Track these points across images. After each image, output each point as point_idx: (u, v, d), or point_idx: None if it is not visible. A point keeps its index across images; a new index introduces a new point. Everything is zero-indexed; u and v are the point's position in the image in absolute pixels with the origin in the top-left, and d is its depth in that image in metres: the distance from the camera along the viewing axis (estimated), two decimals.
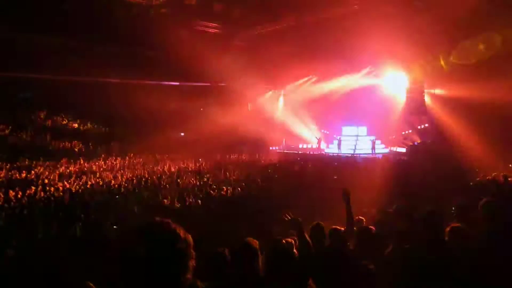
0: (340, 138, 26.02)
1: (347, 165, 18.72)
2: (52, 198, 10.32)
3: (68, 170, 16.62)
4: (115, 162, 19.88)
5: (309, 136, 28.37)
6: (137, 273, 1.53)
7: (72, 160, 19.64)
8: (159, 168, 18.19)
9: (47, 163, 18.40)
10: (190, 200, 10.27)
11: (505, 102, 15.20)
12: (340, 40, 19.83)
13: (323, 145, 27.28)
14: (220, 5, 19.37)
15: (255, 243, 3.11)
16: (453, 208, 5.25)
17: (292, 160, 22.19)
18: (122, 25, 18.36)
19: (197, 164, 19.73)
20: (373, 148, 23.72)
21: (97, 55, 20.84)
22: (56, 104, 24.53)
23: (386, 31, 16.96)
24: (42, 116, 25.06)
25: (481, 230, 4.13)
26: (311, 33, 20.42)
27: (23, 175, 14.82)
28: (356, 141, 25.82)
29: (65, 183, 12.95)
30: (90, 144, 24.62)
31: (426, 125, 22.26)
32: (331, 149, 26.03)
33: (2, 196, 10.40)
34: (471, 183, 11.07)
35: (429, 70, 19.85)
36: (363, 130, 26.50)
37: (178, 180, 13.85)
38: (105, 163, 19.47)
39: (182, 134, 28.56)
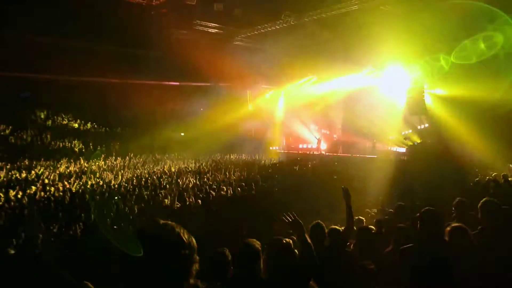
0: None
1: (347, 165, 18.73)
2: (52, 198, 10.32)
3: (68, 170, 16.62)
4: (115, 162, 19.88)
5: (309, 136, 28.39)
6: (139, 277, 1.51)
7: (72, 160, 19.64)
8: (159, 168, 18.18)
9: (47, 163, 18.40)
10: (190, 200, 10.27)
11: (505, 102, 15.21)
12: (340, 40, 19.84)
13: (323, 145, 27.30)
14: (220, 5, 19.37)
15: (257, 244, 3.11)
16: (453, 208, 5.26)
17: (292, 160, 22.18)
18: (122, 25, 18.37)
19: (197, 164, 19.73)
20: (373, 148, 23.73)
21: (97, 55, 20.85)
22: (56, 104, 24.55)
23: (386, 31, 16.96)
24: (42, 116, 25.06)
25: (481, 229, 4.13)
26: (311, 33, 20.42)
27: (23, 175, 14.83)
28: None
29: (65, 183, 12.95)
30: (90, 144, 24.64)
31: (426, 125, 22.27)
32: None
33: (2, 196, 10.40)
34: (471, 183, 11.09)
35: (430, 70, 19.85)
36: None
37: (178, 180, 13.85)
38: (105, 163, 19.48)
39: (182, 134, 28.56)
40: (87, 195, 10.81)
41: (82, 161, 19.40)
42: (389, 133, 24.48)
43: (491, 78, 15.78)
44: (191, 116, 25.76)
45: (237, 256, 3.20)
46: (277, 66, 23.91)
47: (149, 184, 13.12)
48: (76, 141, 24.49)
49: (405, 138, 22.63)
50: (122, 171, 16.63)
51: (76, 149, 23.79)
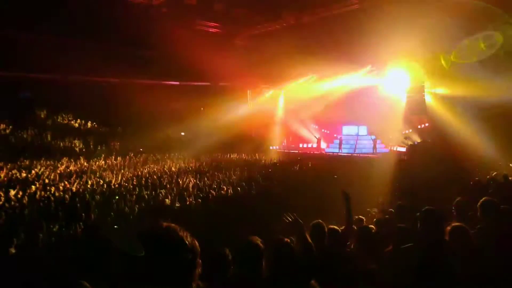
0: (341, 137, 26.04)
1: (347, 164, 18.73)
2: (53, 198, 10.32)
3: (68, 170, 16.62)
4: (115, 162, 19.88)
5: (309, 136, 28.40)
6: (141, 280, 1.50)
7: (72, 160, 19.64)
8: (159, 167, 18.18)
9: (48, 162, 18.40)
10: (191, 199, 10.27)
11: (505, 101, 15.20)
12: (340, 39, 19.83)
13: (323, 145, 27.31)
14: (221, 4, 19.38)
15: (260, 242, 3.10)
16: (453, 207, 5.26)
17: (292, 159, 22.18)
18: (122, 25, 18.37)
19: (198, 164, 19.72)
20: (374, 147, 23.74)
21: (97, 54, 20.84)
22: (56, 104, 24.55)
23: (386, 30, 16.95)
24: (42, 116, 25.06)
25: (480, 229, 4.14)
26: (311, 32, 20.42)
27: (24, 174, 14.83)
28: (356, 141, 25.86)
29: (66, 182, 12.95)
30: (90, 143, 24.64)
31: (427, 124, 22.27)
32: (332, 149, 26.06)
33: (3, 195, 10.40)
34: (471, 182, 11.08)
35: (430, 70, 19.85)
36: (363, 129, 26.52)
37: (179, 180, 13.85)
38: (105, 163, 19.48)
39: (183, 133, 28.57)
40: (87, 195, 10.80)
41: (82, 161, 19.40)
42: (390, 133, 24.51)
43: (491, 77, 15.78)
44: (191, 116, 25.77)
45: (239, 254, 3.19)
46: (277, 66, 23.91)
47: (149, 184, 13.11)
48: (76, 141, 24.49)
49: (405, 138, 22.64)
50: (122, 170, 16.62)
51: (76, 149, 23.80)
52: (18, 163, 17.55)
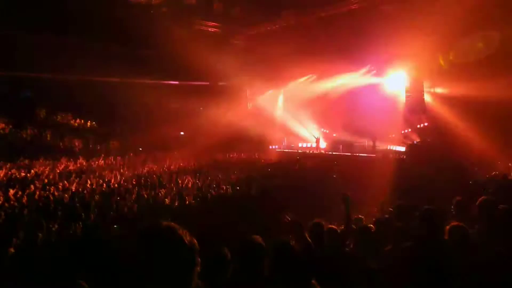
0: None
1: (346, 164, 18.74)
2: (52, 198, 10.31)
3: (68, 169, 16.61)
4: (114, 161, 19.88)
5: (308, 135, 28.39)
6: (140, 279, 1.50)
7: (71, 159, 19.64)
8: (158, 167, 18.17)
9: (47, 162, 18.39)
10: (190, 199, 10.28)
11: (504, 101, 15.21)
12: (339, 39, 19.84)
13: (322, 144, 27.30)
14: (220, 4, 19.38)
15: (262, 241, 3.09)
16: (452, 206, 5.27)
17: (291, 159, 22.19)
18: (122, 24, 18.36)
19: (197, 163, 19.72)
20: (373, 147, 23.74)
21: (97, 54, 20.82)
22: (55, 103, 24.52)
23: (385, 29, 16.96)
24: (41, 115, 25.04)
25: (479, 228, 4.15)
26: (310, 32, 20.42)
27: (23, 174, 14.82)
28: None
29: (65, 182, 12.94)
30: (89, 143, 24.62)
31: (426, 124, 22.28)
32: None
33: (2, 195, 10.39)
34: (470, 182, 11.09)
35: (429, 69, 19.86)
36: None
37: (178, 179, 13.85)
38: (104, 162, 19.48)
39: (182, 133, 28.55)
40: (86, 195, 10.80)
41: (81, 160, 19.39)
42: (389, 132, 24.50)
43: (490, 76, 15.79)
44: (191, 115, 25.76)
45: (240, 253, 3.18)
46: (277, 65, 23.90)
47: (148, 183, 13.11)
48: (75, 140, 24.48)
49: (404, 137, 22.65)
50: (121, 170, 16.62)
51: (76, 148, 23.78)
52: (18, 162, 17.54)
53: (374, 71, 23.10)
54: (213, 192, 11.35)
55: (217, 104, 25.27)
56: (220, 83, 26.85)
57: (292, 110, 28.12)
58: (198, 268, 1.60)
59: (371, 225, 5.95)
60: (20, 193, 10.74)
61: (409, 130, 23.29)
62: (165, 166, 18.24)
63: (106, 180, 13.76)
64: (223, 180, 13.95)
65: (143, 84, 24.50)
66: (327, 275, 3.24)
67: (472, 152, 15.32)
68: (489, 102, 15.70)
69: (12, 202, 9.61)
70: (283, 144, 28.72)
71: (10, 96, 23.03)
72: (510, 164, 14.67)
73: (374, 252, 4.49)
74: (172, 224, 1.61)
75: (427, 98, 20.87)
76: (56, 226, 7.35)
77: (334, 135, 28.26)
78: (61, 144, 23.67)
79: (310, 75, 26.08)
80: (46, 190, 11.49)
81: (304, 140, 28.77)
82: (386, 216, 6.96)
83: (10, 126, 22.83)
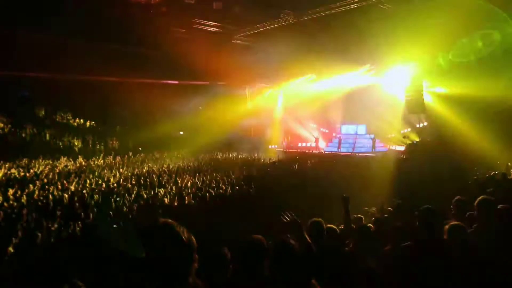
0: (340, 136, 26.06)
1: (346, 163, 18.74)
2: (51, 197, 10.30)
3: (67, 169, 16.61)
4: (114, 161, 19.88)
5: (308, 135, 28.42)
6: (139, 275, 1.53)
7: (71, 159, 19.63)
8: (158, 166, 18.18)
9: (46, 161, 18.39)
10: (190, 199, 10.27)
11: (504, 100, 15.22)
12: (339, 38, 19.83)
13: (321, 144, 27.33)
14: (219, 3, 19.35)
15: (263, 241, 3.09)
16: (452, 206, 5.27)
17: (291, 158, 22.20)
18: (121, 24, 18.35)
19: (196, 163, 19.73)
20: (373, 146, 23.76)
21: (96, 53, 20.82)
22: (55, 103, 24.53)
23: (385, 29, 16.96)
24: (41, 115, 25.03)
25: (479, 228, 4.15)
26: (310, 31, 20.41)
27: (22, 173, 14.82)
28: (355, 140, 25.88)
29: (64, 182, 12.93)
30: (89, 142, 24.62)
31: (425, 123, 22.30)
32: (331, 148, 26.07)
33: (1, 194, 10.39)
34: (469, 181, 11.10)
35: (429, 69, 19.86)
36: (362, 128, 26.54)
37: (177, 179, 13.85)
38: (104, 162, 19.48)
39: (181, 132, 28.56)
40: (86, 194, 10.79)
41: (81, 160, 19.39)
42: (388, 132, 24.53)
43: (489, 76, 15.80)
44: (190, 115, 25.76)
45: (242, 252, 3.17)
46: (276, 65, 23.90)
47: (148, 183, 13.11)
48: (75, 140, 24.48)
49: (404, 137, 22.67)
50: (121, 169, 16.61)
51: (75, 148, 23.78)
52: (17, 162, 17.53)
53: (374, 71, 23.11)
54: (212, 192, 11.35)
55: (216, 104, 25.27)
56: (220, 83, 26.84)
57: (291, 109, 28.14)
58: (196, 264, 1.62)
59: (371, 225, 5.96)
60: (19, 192, 10.74)
61: (409, 129, 23.32)
62: (165, 165, 18.24)
63: (106, 179, 13.76)
64: (223, 180, 13.94)
65: (142, 83, 24.49)
66: (327, 275, 3.24)
67: (472, 151, 15.31)
68: (489, 102, 15.71)
69: (11, 202, 9.60)
70: (283, 143, 28.73)
71: (9, 96, 22.99)
72: (509, 163, 14.68)
73: (373, 251, 4.49)
74: (170, 221, 1.64)
75: (427, 97, 20.87)
76: (55, 225, 7.35)
77: (334, 134, 28.28)
78: (60, 143, 23.67)
79: (310, 75, 26.10)
80: (45, 189, 11.48)
81: (303, 139, 28.80)
82: (386, 215, 6.98)
83: (9, 126, 22.81)
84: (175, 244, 1.57)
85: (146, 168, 17.37)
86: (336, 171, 15.96)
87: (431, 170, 13.33)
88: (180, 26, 20.65)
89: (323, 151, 25.82)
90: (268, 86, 28.98)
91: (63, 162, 18.41)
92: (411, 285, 3.40)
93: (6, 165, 16.31)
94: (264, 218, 7.43)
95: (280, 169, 17.62)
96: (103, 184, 12.77)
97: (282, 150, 27.05)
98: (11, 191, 10.71)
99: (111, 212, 8.46)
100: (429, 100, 20.97)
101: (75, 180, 13.38)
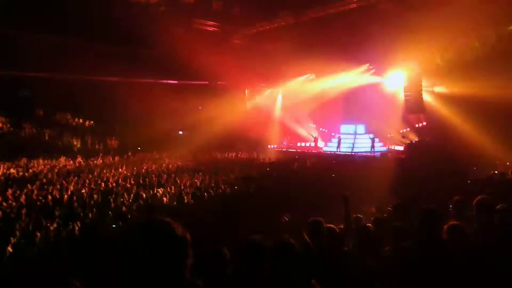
0: (339, 136, 26.07)
1: (345, 163, 18.75)
2: (50, 197, 10.29)
3: (66, 168, 16.60)
4: (113, 160, 19.87)
5: (306, 135, 28.42)
6: (135, 271, 1.54)
7: (70, 158, 19.63)
8: (157, 166, 18.17)
9: (46, 161, 18.38)
10: (189, 198, 10.27)
11: (503, 100, 15.24)
12: (338, 38, 19.85)
13: (320, 144, 27.33)
14: (219, 3, 19.36)
15: (262, 240, 3.08)
16: (451, 206, 5.28)
17: (290, 158, 22.20)
18: (121, 24, 18.34)
19: (195, 162, 19.72)
20: (373, 146, 23.77)
21: (96, 53, 20.82)
22: (54, 102, 24.50)
23: (384, 28, 16.97)
24: (40, 115, 25.01)
25: (478, 227, 4.15)
26: (309, 31, 20.42)
27: (21, 173, 14.81)
28: (354, 139, 25.89)
29: (63, 181, 12.92)
30: (88, 142, 24.62)
31: (424, 123, 22.31)
32: (330, 147, 26.08)
33: (0, 194, 10.37)
34: (468, 181, 11.11)
35: (427, 68, 19.88)
36: (361, 128, 26.55)
37: (176, 179, 13.84)
38: (103, 161, 19.48)
39: (181, 132, 28.55)
40: (85, 194, 10.78)
41: (80, 159, 19.37)
42: (388, 131, 24.55)
43: (489, 75, 15.81)
44: (189, 115, 25.75)
45: (241, 253, 3.17)
46: (275, 64, 23.90)
47: (147, 183, 13.10)
48: (74, 139, 24.46)
49: (403, 136, 22.69)
50: (120, 169, 16.60)
51: (74, 147, 23.77)
52: (16, 161, 17.52)
53: (373, 70, 23.12)
54: (211, 192, 11.34)
55: (216, 104, 25.28)
56: (219, 82, 26.84)
57: (290, 109, 28.14)
58: (191, 260, 1.64)
59: (370, 225, 5.96)
60: (18, 192, 10.72)
61: (408, 129, 23.34)
62: (164, 165, 18.23)
63: (105, 179, 13.75)
64: (222, 179, 13.94)
65: (142, 83, 24.49)
66: (327, 275, 3.24)
67: (471, 151, 15.33)
68: (488, 101, 15.72)
69: (10, 202, 9.59)
70: (282, 143, 28.74)
71: (9, 95, 22.98)
72: (508, 163, 14.70)
73: (373, 251, 4.49)
74: (164, 217, 1.66)
75: (426, 97, 20.89)
76: (55, 225, 7.34)
77: (333, 134, 28.27)
78: (59, 143, 23.68)
79: (309, 74, 26.11)
80: (44, 189, 11.46)
81: (302, 139, 28.80)
82: (385, 215, 6.97)
83: (9, 125, 22.80)
84: (169, 239, 1.59)
85: (145, 167, 17.36)
86: (335, 170, 15.97)
87: (430, 170, 13.34)
88: (179, 25, 20.63)
89: (322, 151, 25.81)
90: (267, 85, 28.98)
91: (62, 162, 18.39)
92: (411, 285, 3.40)
93: (6, 165, 16.30)
94: (264, 218, 7.43)
95: (279, 169, 17.62)
96: (102, 184, 12.76)
97: (281, 149, 27.04)
98: (10, 191, 10.69)
99: (110, 212, 8.44)
100: (428, 99, 20.99)
101: (74, 180, 13.37)
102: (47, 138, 23.76)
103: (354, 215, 6.43)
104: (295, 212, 7.05)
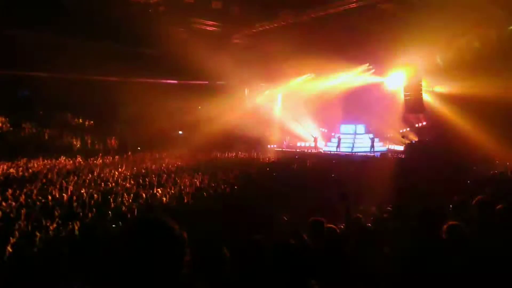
0: (339, 136, 26.07)
1: (345, 163, 18.75)
2: (50, 197, 10.29)
3: (66, 168, 16.59)
4: (113, 160, 19.86)
5: (306, 134, 28.42)
6: (132, 268, 1.55)
7: (70, 158, 19.62)
8: (157, 166, 18.16)
9: (45, 161, 18.37)
10: (189, 198, 10.27)
11: (503, 100, 15.25)
12: (338, 38, 19.84)
13: (320, 143, 27.33)
14: (218, 3, 19.35)
15: (262, 240, 3.08)
16: (451, 206, 5.28)
17: (290, 158, 22.20)
18: (121, 23, 18.34)
19: (195, 162, 19.71)
20: (372, 146, 23.77)
21: (96, 53, 20.80)
22: (54, 102, 24.50)
23: (384, 28, 16.97)
24: (40, 114, 25.01)
25: (477, 227, 4.15)
26: (309, 31, 20.41)
27: (21, 173, 14.79)
28: (354, 139, 25.89)
29: (63, 181, 12.91)
30: (88, 142, 24.61)
31: (424, 123, 22.33)
32: (330, 147, 26.08)
33: (0, 194, 10.37)
34: (468, 181, 11.12)
35: (427, 68, 19.89)
36: (361, 128, 26.56)
37: (176, 178, 13.84)
38: (103, 161, 19.47)
39: (181, 132, 28.55)
40: (84, 194, 10.78)
41: (80, 159, 19.37)
42: (387, 131, 24.56)
43: (489, 75, 15.82)
44: (189, 114, 25.75)
45: (241, 252, 3.18)
46: (275, 64, 23.90)
47: (147, 183, 13.09)
48: (74, 139, 24.46)
49: (402, 136, 22.69)
50: (120, 169, 16.60)
51: (74, 147, 23.76)
52: (16, 161, 17.51)
53: (373, 70, 23.13)
54: (211, 192, 11.34)
55: (215, 103, 25.28)
56: (219, 82, 26.84)
57: (290, 109, 28.14)
58: (188, 258, 1.65)
59: (370, 225, 5.97)
60: (18, 192, 10.72)
61: (408, 129, 23.35)
62: (164, 165, 18.22)
63: (104, 179, 13.74)
64: (222, 179, 13.93)
65: (141, 83, 24.48)
66: (327, 275, 3.24)
67: (471, 151, 15.34)
68: (488, 101, 15.73)
69: (9, 202, 9.58)
70: (282, 143, 28.74)
71: (9, 95, 22.98)
72: (508, 163, 14.71)
73: (373, 251, 4.50)
74: (161, 216, 1.67)
75: (426, 97, 20.90)
76: (54, 225, 7.34)
77: (333, 134, 28.26)
78: (59, 143, 23.66)
79: (309, 74, 26.11)
80: (44, 189, 11.46)
81: (302, 139, 28.80)
82: (385, 215, 6.98)
83: (9, 125, 22.79)
84: (165, 236, 1.61)
85: (145, 167, 17.35)
86: (335, 170, 15.97)
87: (430, 170, 13.35)
88: (179, 25, 20.63)
89: (322, 151, 25.81)
90: (267, 85, 28.98)
91: (62, 162, 18.38)
92: (411, 285, 3.40)
93: (5, 164, 16.29)
94: (264, 218, 7.43)
95: (279, 169, 17.61)
96: (102, 183, 12.76)
97: (280, 149, 27.04)
98: (9, 191, 10.69)
99: (110, 212, 8.44)
100: (428, 99, 21.00)
101: (74, 179, 13.36)
102: (47, 138, 23.75)
103: (354, 215, 6.44)
104: (295, 212, 7.05)
